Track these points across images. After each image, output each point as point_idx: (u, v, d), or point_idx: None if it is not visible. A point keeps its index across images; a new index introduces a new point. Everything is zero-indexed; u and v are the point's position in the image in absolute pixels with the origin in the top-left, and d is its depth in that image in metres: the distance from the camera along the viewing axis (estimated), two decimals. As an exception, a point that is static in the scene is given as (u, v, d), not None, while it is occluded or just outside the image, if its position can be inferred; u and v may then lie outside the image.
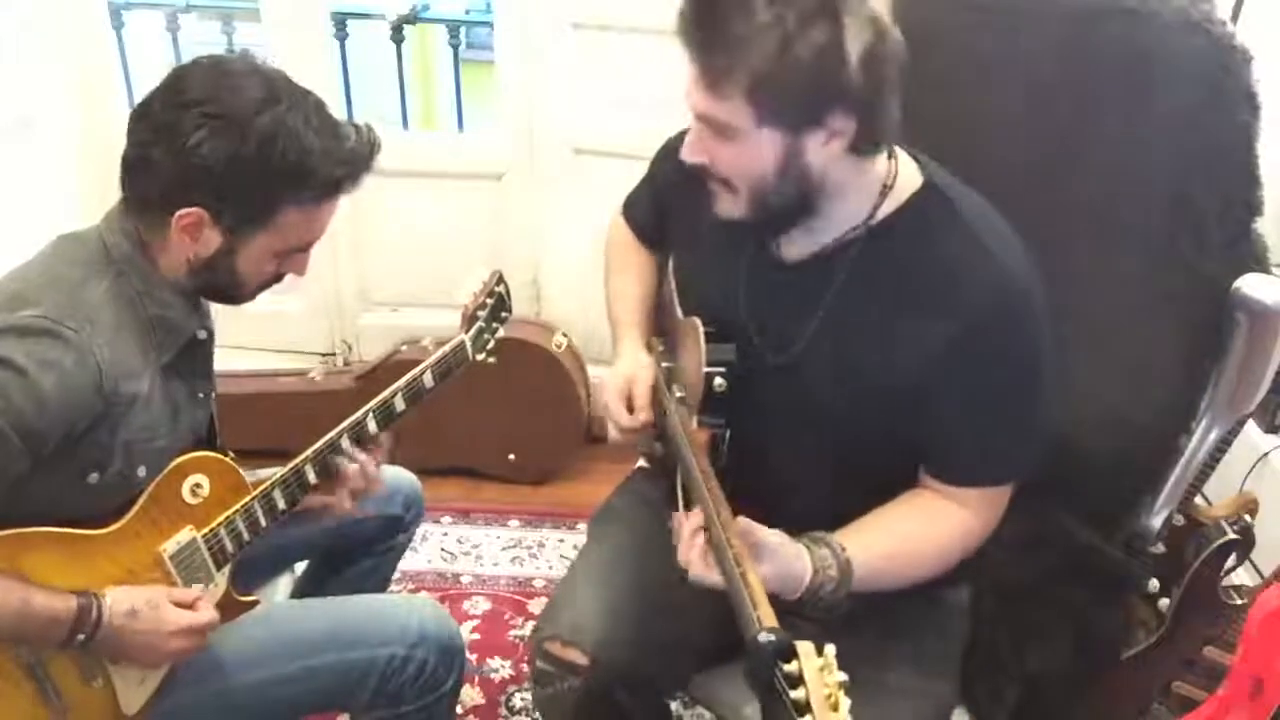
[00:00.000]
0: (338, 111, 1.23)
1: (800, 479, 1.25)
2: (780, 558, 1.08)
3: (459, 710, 1.94)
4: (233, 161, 1.12)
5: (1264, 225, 1.41)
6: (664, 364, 1.42)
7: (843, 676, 0.86)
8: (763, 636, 0.91)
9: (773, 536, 1.08)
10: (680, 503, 1.25)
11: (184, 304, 1.23)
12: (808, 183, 1.12)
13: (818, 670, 0.86)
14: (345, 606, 1.43)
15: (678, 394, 1.33)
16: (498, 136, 2.57)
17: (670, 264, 1.46)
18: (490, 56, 2.51)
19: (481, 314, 1.52)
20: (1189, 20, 1.36)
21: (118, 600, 1.15)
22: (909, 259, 1.17)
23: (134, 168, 1.17)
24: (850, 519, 1.19)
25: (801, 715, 0.84)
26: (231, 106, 1.13)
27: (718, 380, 1.24)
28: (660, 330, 1.50)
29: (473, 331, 1.51)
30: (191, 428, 1.30)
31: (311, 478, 1.34)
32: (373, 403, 1.40)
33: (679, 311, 1.39)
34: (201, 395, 1.32)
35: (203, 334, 1.29)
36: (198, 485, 1.25)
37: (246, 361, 2.66)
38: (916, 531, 1.21)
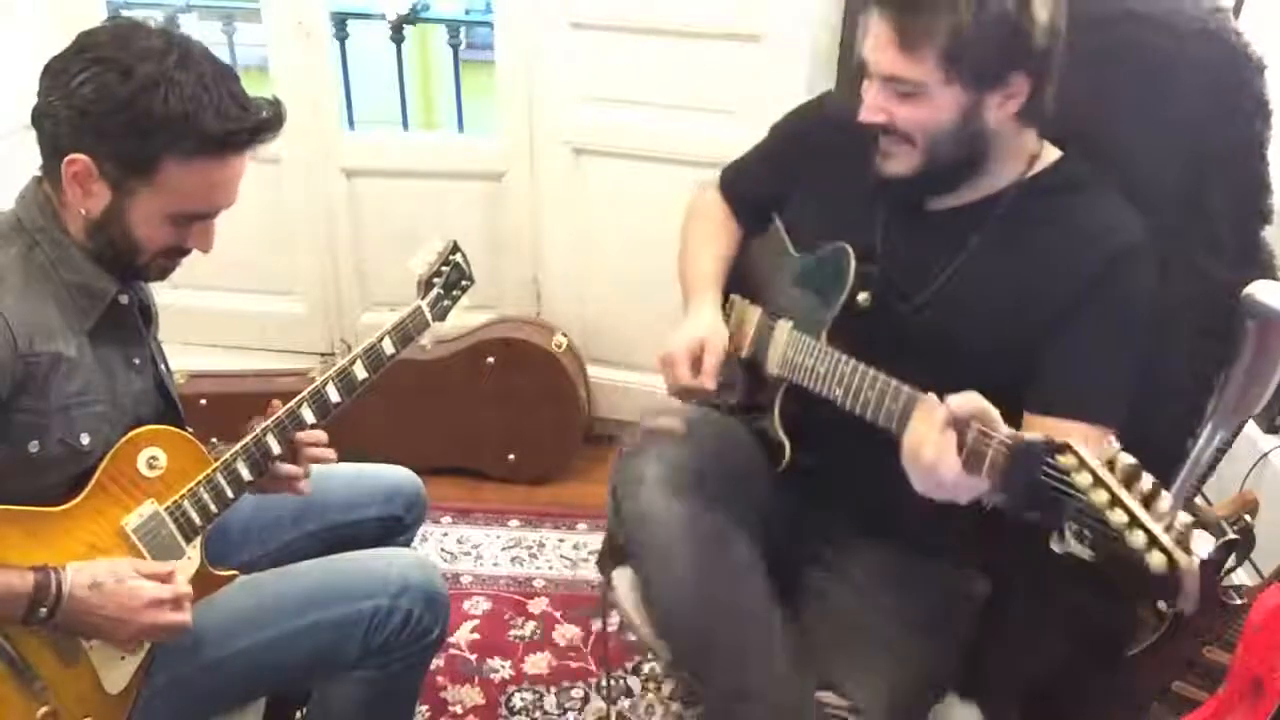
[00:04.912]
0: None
1: None
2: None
3: (459, 710, 1.95)
4: (109, 101, 1.12)
5: (1270, 231, 1.41)
6: (757, 309, 1.47)
7: (1133, 460, 0.88)
8: (1029, 435, 0.95)
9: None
10: (778, 425, 1.35)
11: (97, 268, 1.22)
12: (981, 140, 1.23)
13: (1098, 458, 0.88)
14: (326, 565, 1.42)
15: (789, 324, 1.39)
16: (498, 136, 2.57)
17: (778, 221, 1.52)
18: (490, 56, 2.50)
19: (437, 281, 1.56)
20: (1205, 29, 1.36)
21: (79, 573, 1.14)
22: (1048, 212, 1.27)
23: (37, 121, 1.17)
24: None
25: (1092, 492, 0.87)
26: (119, 52, 1.13)
27: (862, 295, 1.31)
28: (741, 290, 1.55)
29: (429, 298, 1.54)
30: (135, 396, 1.29)
31: (275, 447, 1.34)
32: (332, 370, 1.41)
33: (792, 251, 1.46)
34: (138, 361, 1.30)
35: (125, 298, 1.27)
36: (153, 458, 1.25)
37: (247, 361, 2.66)
38: None
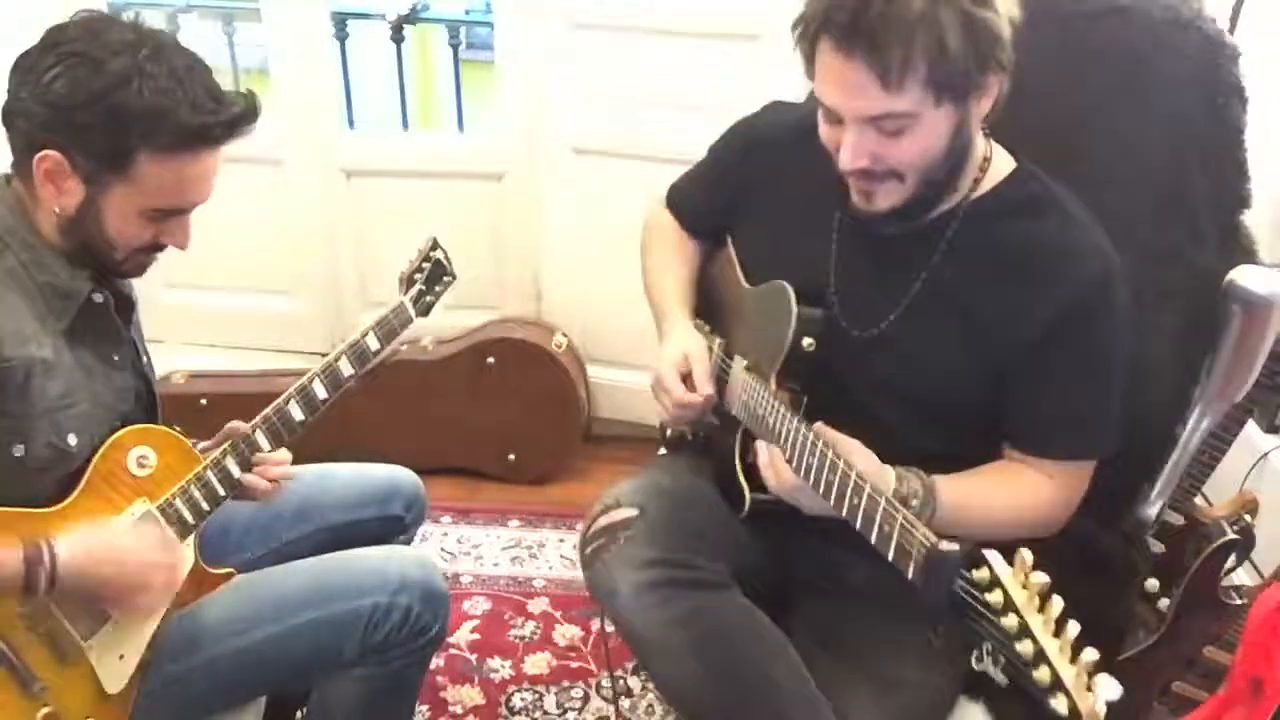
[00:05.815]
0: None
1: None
2: (870, 457, 1.14)
3: (459, 710, 1.95)
4: (82, 96, 1.11)
5: (1253, 217, 1.42)
6: (716, 339, 1.43)
7: (1045, 578, 0.83)
8: (944, 545, 0.90)
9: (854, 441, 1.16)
10: (738, 468, 1.31)
11: (71, 268, 1.21)
12: (965, 151, 1.18)
13: (1012, 573, 0.83)
14: (324, 563, 1.41)
15: (743, 363, 1.34)
16: (498, 136, 2.57)
17: (731, 245, 1.47)
18: (490, 56, 2.51)
19: (419, 277, 1.59)
20: (1179, 18, 1.38)
21: (70, 540, 1.13)
22: (1008, 236, 1.21)
23: (8, 119, 1.16)
24: None
25: (1002, 615, 0.81)
26: (91, 47, 1.12)
27: (806, 340, 1.24)
28: (703, 315, 1.52)
29: (412, 293, 1.57)
30: (116, 393, 1.28)
31: (264, 444, 1.34)
32: (318, 367, 1.41)
33: (744, 283, 1.41)
34: (117, 358, 1.29)
35: (99, 297, 1.25)
36: (143, 457, 1.25)
37: (247, 361, 2.66)
38: (1003, 486, 1.23)
